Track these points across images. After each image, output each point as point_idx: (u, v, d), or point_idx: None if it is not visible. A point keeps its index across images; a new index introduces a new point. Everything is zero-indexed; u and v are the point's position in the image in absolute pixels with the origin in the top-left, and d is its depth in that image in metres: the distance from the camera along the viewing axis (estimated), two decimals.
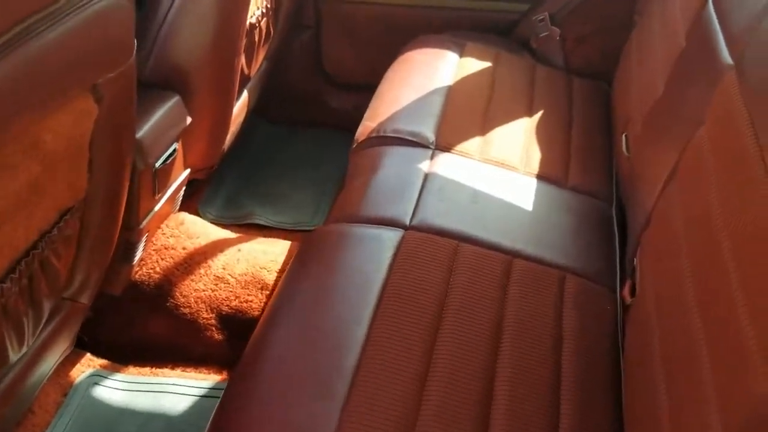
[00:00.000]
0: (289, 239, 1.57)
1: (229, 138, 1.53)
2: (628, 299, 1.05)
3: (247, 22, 1.41)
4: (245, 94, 1.62)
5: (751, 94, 0.80)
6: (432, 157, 1.37)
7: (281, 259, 1.48)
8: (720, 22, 0.97)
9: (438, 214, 1.23)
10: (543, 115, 1.53)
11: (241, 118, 1.64)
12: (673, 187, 1.00)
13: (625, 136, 1.34)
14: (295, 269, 1.14)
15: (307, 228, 1.69)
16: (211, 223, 1.61)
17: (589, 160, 1.42)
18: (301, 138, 2.03)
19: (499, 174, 1.35)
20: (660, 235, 1.01)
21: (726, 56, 0.92)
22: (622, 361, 1.01)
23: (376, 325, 0.98)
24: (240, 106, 1.59)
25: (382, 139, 1.41)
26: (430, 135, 1.42)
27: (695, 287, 0.80)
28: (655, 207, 1.04)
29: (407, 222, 1.20)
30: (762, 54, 0.85)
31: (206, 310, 1.37)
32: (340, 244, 1.17)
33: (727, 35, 0.94)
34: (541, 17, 1.79)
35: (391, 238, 1.15)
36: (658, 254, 1.00)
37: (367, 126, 1.46)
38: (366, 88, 1.66)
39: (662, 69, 1.21)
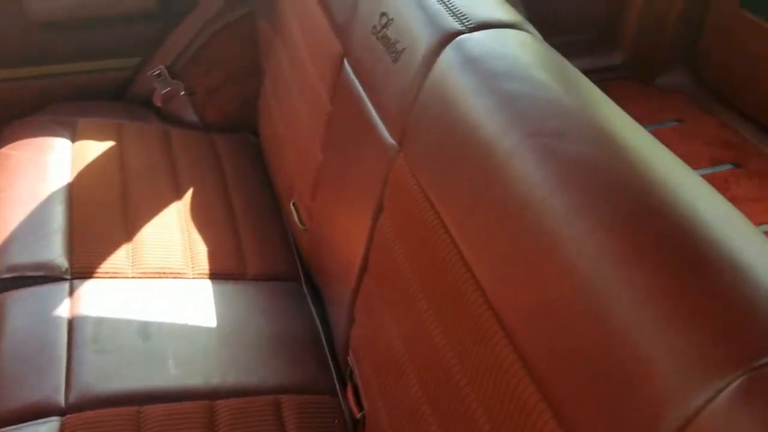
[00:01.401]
0: None
1: None
2: (356, 412, 0.92)
3: None
4: None
5: (421, 169, 0.73)
6: (72, 293, 1.06)
7: None
8: (376, 108, 0.86)
9: (102, 376, 0.94)
10: (195, 192, 1.31)
11: None
12: (368, 282, 0.88)
13: (294, 204, 1.20)
14: None
15: None
16: None
17: (262, 238, 1.25)
18: None
19: (165, 288, 1.10)
20: (370, 335, 0.89)
21: (387, 135, 0.82)
22: None
23: None
24: None
25: None
26: (61, 261, 1.10)
27: (424, 392, 0.70)
28: (355, 305, 0.92)
29: (62, 403, 0.90)
30: (420, 132, 0.76)
31: None
32: None
33: (385, 116, 0.84)
34: (157, 71, 1.54)
35: None
36: (374, 355, 0.87)
37: None
38: None
39: (313, 133, 1.09)
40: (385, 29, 0.85)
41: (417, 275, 0.75)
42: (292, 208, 1.20)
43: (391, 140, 0.82)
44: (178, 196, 1.29)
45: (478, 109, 0.66)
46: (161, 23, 1.55)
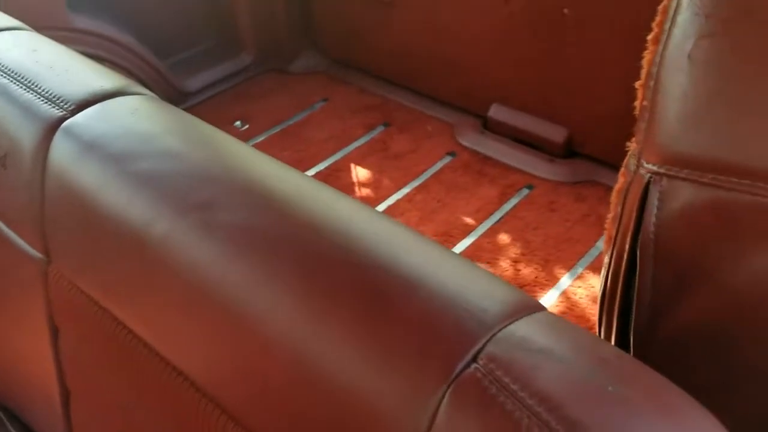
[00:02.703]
0: None
1: None
2: None
3: None
4: None
5: (82, 276, 0.66)
6: None
7: None
8: (6, 223, 0.74)
9: None
10: None
11: None
12: (77, 407, 0.77)
13: None
14: None
15: None
16: None
17: None
18: None
19: None
20: None
21: (28, 249, 0.71)
22: None
23: None
24: None
25: None
26: None
27: None
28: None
29: None
30: (65, 236, 0.67)
31: None
32: None
33: (17, 230, 0.72)
34: None
35: None
36: None
37: None
38: None
39: None
40: None
41: (125, 387, 0.67)
42: None
43: (36, 254, 0.71)
44: None
45: (116, 198, 0.60)
46: None
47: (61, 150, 0.65)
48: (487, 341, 0.44)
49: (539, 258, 1.61)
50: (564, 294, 1.52)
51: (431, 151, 1.96)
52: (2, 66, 0.74)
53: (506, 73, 1.92)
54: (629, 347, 0.66)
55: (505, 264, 1.59)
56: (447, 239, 1.66)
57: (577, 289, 1.53)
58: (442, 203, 1.77)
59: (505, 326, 0.45)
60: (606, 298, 0.65)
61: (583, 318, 1.46)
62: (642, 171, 0.56)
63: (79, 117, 0.66)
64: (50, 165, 0.66)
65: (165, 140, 0.63)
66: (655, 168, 0.54)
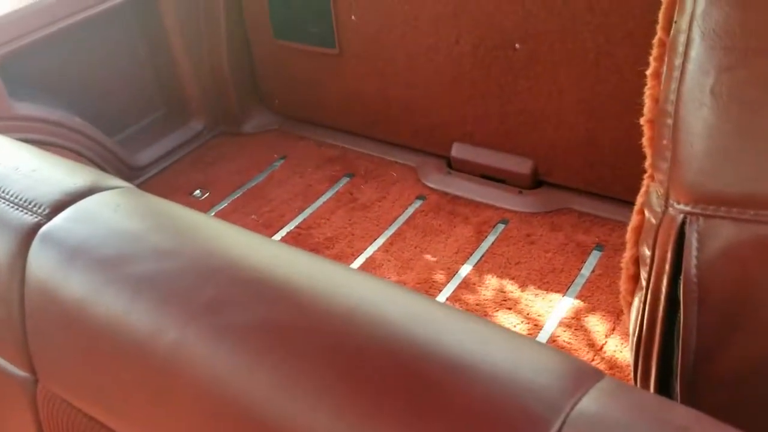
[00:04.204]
0: None
1: None
2: None
3: None
4: None
5: (76, 395, 0.60)
6: None
7: None
8: None
9: None
10: None
11: None
12: None
13: None
14: None
15: None
16: None
17: None
18: None
19: None
20: None
21: (14, 370, 0.64)
22: None
23: None
24: None
25: None
26: None
27: None
28: None
29: None
30: (53, 354, 0.61)
31: None
32: None
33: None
34: None
35: None
36: None
37: None
38: None
39: None
40: None
41: None
42: None
43: (21, 373, 0.64)
44: None
45: (111, 307, 0.54)
46: None
47: (40, 260, 0.59)
48: (562, 424, 0.40)
49: (528, 293, 1.58)
50: (562, 324, 1.49)
51: (400, 197, 1.93)
52: None
53: (464, 111, 1.92)
54: (671, 391, 0.63)
55: (495, 305, 1.56)
56: (431, 285, 1.62)
57: (571, 320, 1.51)
58: (420, 249, 1.74)
59: (575, 404, 0.41)
60: (642, 343, 0.61)
61: (591, 345, 1.43)
62: (672, 211, 0.53)
63: (57, 221, 0.60)
64: (29, 277, 0.60)
65: (155, 237, 0.58)
66: (688, 208, 0.52)
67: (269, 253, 0.56)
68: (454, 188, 1.93)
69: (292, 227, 1.85)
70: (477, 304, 1.56)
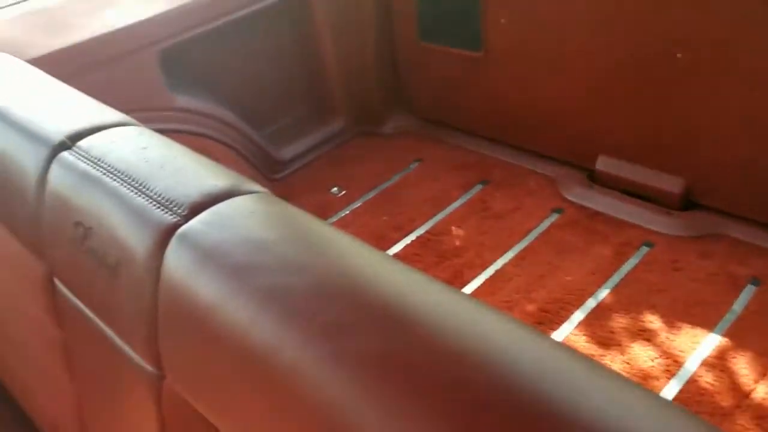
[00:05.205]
0: None
1: None
2: None
3: None
4: None
5: (197, 397, 0.60)
6: None
7: None
8: (118, 334, 0.70)
9: None
10: None
11: None
12: None
13: None
14: None
15: None
16: None
17: None
18: None
19: None
20: None
21: (142, 364, 0.66)
22: None
23: None
24: None
25: None
26: None
27: None
28: None
29: None
30: (180, 353, 0.62)
31: None
32: None
33: (131, 343, 0.68)
34: None
35: None
36: None
37: None
38: None
39: (54, 365, 0.89)
40: (87, 241, 0.70)
41: None
42: None
43: (148, 368, 0.66)
44: None
45: (236, 317, 0.54)
46: None
47: (175, 260, 0.60)
48: None
49: (670, 325, 1.46)
50: (706, 364, 1.37)
51: (535, 209, 1.85)
52: (112, 167, 0.71)
53: (613, 122, 1.81)
54: None
55: (631, 335, 1.46)
56: (562, 307, 1.54)
57: (716, 360, 1.37)
58: (553, 266, 1.66)
59: None
60: None
61: (736, 390, 1.30)
62: None
63: (194, 223, 0.61)
64: (164, 276, 0.61)
65: (285, 249, 0.57)
66: None
67: (399, 279, 0.54)
68: (595, 203, 1.83)
69: (422, 232, 1.83)
70: (611, 332, 1.47)
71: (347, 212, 1.93)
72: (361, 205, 1.97)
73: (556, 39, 1.81)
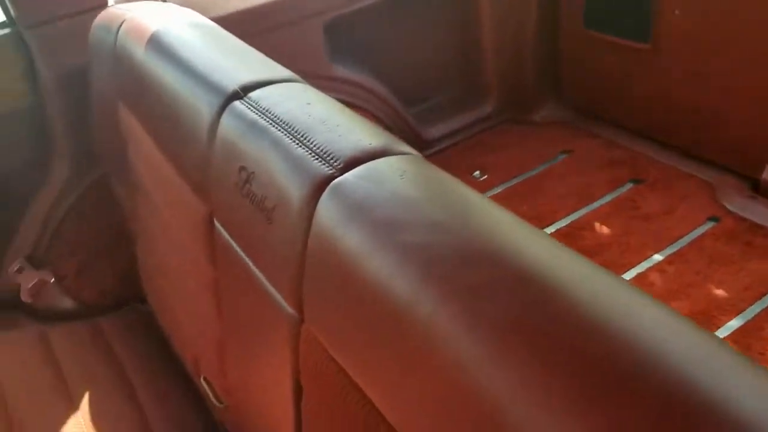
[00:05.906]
0: None
1: None
2: None
3: None
4: None
5: (332, 342, 0.64)
6: None
7: None
8: (265, 275, 0.75)
9: None
10: (91, 397, 1.14)
11: None
12: None
13: (205, 380, 1.05)
14: None
15: None
16: None
17: (178, 427, 1.09)
18: None
19: None
20: None
21: (284, 306, 0.70)
22: None
23: None
24: None
25: None
26: None
27: None
28: None
29: None
30: (321, 300, 0.65)
31: None
32: None
33: (276, 284, 0.72)
34: (17, 266, 1.37)
35: None
36: None
37: None
38: None
39: (203, 301, 0.96)
40: (248, 185, 0.75)
41: None
42: (203, 383, 1.05)
43: (290, 311, 0.70)
44: (73, 407, 1.11)
45: (378, 270, 0.56)
46: (6, 212, 1.38)
47: (327, 209, 0.63)
48: None
49: None
50: None
51: (689, 214, 1.75)
52: (278, 118, 0.75)
53: None
54: None
55: None
56: (706, 319, 1.45)
57: None
58: (702, 276, 1.56)
59: None
60: None
61: None
62: None
63: (348, 176, 0.63)
64: (315, 224, 0.64)
65: (432, 209, 0.58)
66: None
67: (539, 249, 0.53)
68: (757, 216, 1.69)
69: (563, 225, 1.78)
70: (761, 354, 1.36)
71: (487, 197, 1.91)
72: (501, 192, 1.95)
73: (731, 36, 1.68)
